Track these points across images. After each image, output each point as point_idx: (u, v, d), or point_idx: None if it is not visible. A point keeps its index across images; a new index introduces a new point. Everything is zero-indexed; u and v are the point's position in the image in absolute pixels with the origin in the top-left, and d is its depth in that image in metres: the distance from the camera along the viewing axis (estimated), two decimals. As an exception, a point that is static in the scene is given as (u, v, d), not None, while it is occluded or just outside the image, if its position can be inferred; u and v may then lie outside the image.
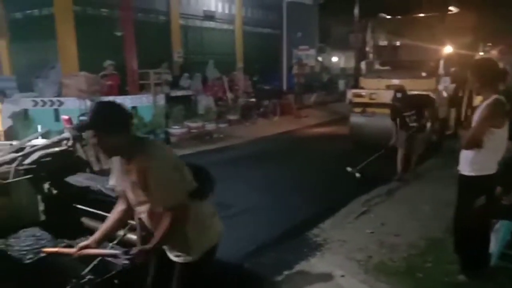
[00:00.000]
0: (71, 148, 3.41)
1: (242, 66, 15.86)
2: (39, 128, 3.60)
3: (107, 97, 10.54)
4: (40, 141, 3.45)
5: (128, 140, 2.26)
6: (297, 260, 4.14)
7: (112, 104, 2.34)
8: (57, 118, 10.27)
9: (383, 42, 10.15)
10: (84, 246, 2.43)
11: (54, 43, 11.06)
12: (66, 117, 3.58)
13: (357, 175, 6.88)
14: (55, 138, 3.45)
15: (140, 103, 10.96)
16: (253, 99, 14.67)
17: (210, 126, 12.02)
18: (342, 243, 4.53)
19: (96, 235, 2.50)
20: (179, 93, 12.74)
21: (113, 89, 11.24)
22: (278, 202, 6.14)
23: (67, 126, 3.49)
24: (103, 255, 2.45)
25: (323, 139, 11.44)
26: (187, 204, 2.29)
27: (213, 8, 15.72)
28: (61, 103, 10.53)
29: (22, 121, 9.62)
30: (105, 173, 3.58)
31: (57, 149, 3.36)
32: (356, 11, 11.37)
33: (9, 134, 8.85)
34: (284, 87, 18.45)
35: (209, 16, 15.54)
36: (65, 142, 3.40)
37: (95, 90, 10.59)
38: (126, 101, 10.82)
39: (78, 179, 3.27)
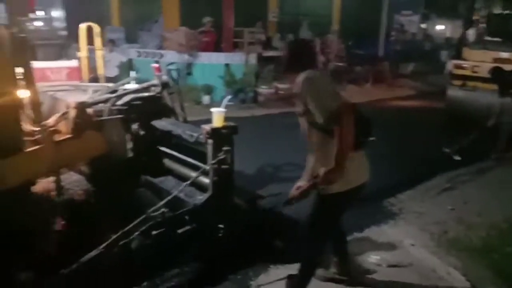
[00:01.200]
0: (158, 95, 3.61)
1: (337, 29, 15.29)
2: (132, 73, 3.82)
3: (204, 52, 11.00)
4: (132, 86, 3.69)
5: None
6: (368, 224, 4.10)
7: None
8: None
9: (496, 10, 9.09)
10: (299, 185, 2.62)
11: (159, -1, 11.56)
12: (156, 65, 3.77)
13: (456, 157, 6.24)
14: (145, 84, 3.67)
15: (233, 61, 11.16)
16: (344, 64, 14.14)
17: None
18: (418, 215, 4.39)
19: (305, 176, 2.71)
20: (271, 53, 12.70)
21: (209, 45, 11.55)
22: None
23: (157, 73, 3.67)
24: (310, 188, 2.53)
25: (417, 111, 10.80)
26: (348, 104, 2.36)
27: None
28: (161, 56, 11.11)
29: (127, 70, 10.35)
30: (186, 119, 3.77)
31: (146, 94, 3.58)
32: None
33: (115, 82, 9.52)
34: (380, 53, 17.52)
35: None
36: (153, 88, 3.61)
37: (193, 45, 10.99)
38: (220, 58, 11.16)
39: (162, 123, 3.48)
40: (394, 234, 3.96)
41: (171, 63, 3.59)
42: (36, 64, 4.22)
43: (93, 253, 2.65)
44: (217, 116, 3.16)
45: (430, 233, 3.97)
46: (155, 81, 3.64)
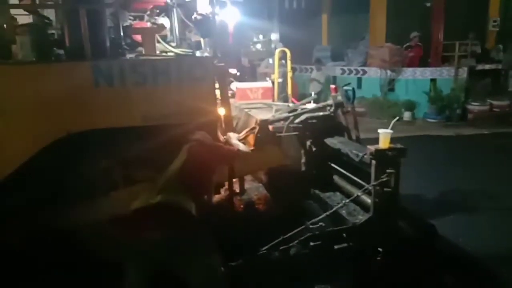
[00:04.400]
0: (332, 114, 3.67)
1: None
2: (312, 93, 3.99)
3: (408, 68, 10.49)
4: (310, 105, 3.85)
5: None
6: None
7: None
8: (359, 85, 10.95)
9: None
10: None
11: (366, 16, 11.54)
12: (333, 86, 3.85)
13: None
14: (320, 104, 3.78)
15: (440, 76, 10.35)
16: None
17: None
18: None
19: None
20: (487, 66, 11.13)
21: (414, 60, 10.97)
22: None
23: (333, 94, 3.74)
24: None
25: None
26: None
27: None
28: (364, 72, 11.11)
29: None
30: (361, 140, 3.71)
31: (321, 113, 3.68)
32: None
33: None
34: None
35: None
36: (328, 108, 3.68)
37: (397, 61, 10.62)
38: (426, 73, 10.45)
39: (333, 141, 3.52)
40: None
41: (347, 84, 3.52)
42: (239, 85, 4.86)
43: (257, 253, 2.89)
44: (383, 137, 3.01)
45: None
46: (330, 101, 3.71)
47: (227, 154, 3.04)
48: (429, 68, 10.59)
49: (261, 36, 9.23)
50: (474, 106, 10.14)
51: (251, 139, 3.77)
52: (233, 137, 3.52)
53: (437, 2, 10.54)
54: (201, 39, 3.90)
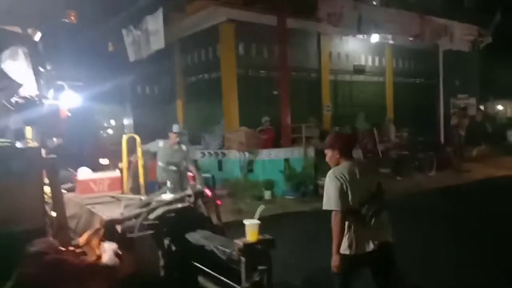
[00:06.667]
0: (192, 205, 3.15)
1: (392, 117, 14.66)
2: (168, 183, 3.44)
3: (263, 149, 10.84)
4: (166, 196, 3.28)
5: None
6: None
7: None
8: (220, 168, 10.83)
9: None
10: None
11: (220, 102, 11.83)
12: (190, 174, 3.39)
13: None
14: (178, 195, 3.25)
15: (292, 155, 10.84)
16: (406, 152, 13.19)
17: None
18: None
19: None
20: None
21: (268, 142, 11.41)
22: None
23: (191, 182, 3.28)
24: None
25: (492, 197, 8.92)
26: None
27: (363, 62, 15.12)
28: (224, 155, 11.08)
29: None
30: (224, 228, 3.25)
31: (180, 205, 3.14)
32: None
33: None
34: (442, 139, 16.35)
35: (359, 70, 14.96)
36: (187, 198, 3.17)
37: (253, 143, 10.90)
38: (279, 153, 10.88)
39: (196, 237, 2.96)
40: None
41: (207, 172, 3.31)
42: (80, 176, 4.05)
43: None
44: (251, 229, 2.58)
45: None
46: (189, 191, 3.20)
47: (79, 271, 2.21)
48: (282, 149, 11.07)
49: (112, 121, 8.54)
50: (323, 181, 10.74)
51: (95, 244, 2.97)
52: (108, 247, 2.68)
53: (283, 91, 11.38)
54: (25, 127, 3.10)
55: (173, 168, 6.39)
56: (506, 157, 14.38)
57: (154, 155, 7.60)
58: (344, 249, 3.12)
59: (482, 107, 19.30)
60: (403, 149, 13.17)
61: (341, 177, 3.23)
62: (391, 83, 15.90)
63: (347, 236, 3.15)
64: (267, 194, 10.10)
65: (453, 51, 17.01)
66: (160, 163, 6.74)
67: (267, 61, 12.41)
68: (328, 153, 3.46)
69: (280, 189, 10.44)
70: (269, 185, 10.35)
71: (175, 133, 7.00)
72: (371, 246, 3.16)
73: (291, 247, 5.28)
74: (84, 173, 3.98)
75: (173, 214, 3.07)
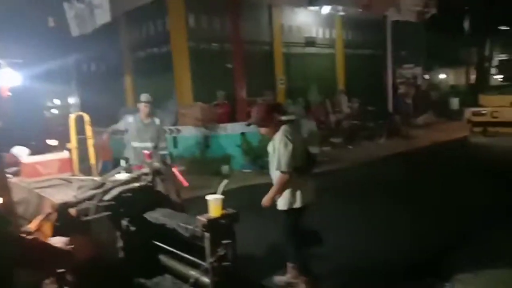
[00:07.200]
0: (150, 184, 3.02)
1: (344, 89, 14.95)
2: (122, 162, 3.27)
3: (220, 124, 10.69)
4: (122, 176, 3.13)
5: None
6: None
7: None
8: (175, 145, 10.59)
9: (504, 56, 8.57)
10: None
11: (172, 77, 11.46)
12: (146, 152, 3.25)
13: None
14: (134, 174, 3.10)
15: (248, 130, 10.76)
16: (357, 122, 13.57)
17: (314, 150, 11.25)
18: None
19: None
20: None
21: (224, 117, 11.27)
22: (394, 234, 4.96)
23: (148, 160, 3.13)
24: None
25: (438, 162, 9.40)
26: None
27: (314, 34, 15.14)
28: (179, 131, 10.82)
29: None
30: (184, 205, 3.17)
31: (136, 184, 3.00)
32: (467, 25, 9.92)
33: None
34: (390, 108, 16.96)
35: (311, 42, 14.99)
36: (144, 177, 3.03)
37: (209, 119, 10.72)
38: (235, 128, 10.78)
39: (155, 216, 2.86)
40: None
41: (163, 148, 3.19)
42: (26, 159, 3.77)
43: None
44: (214, 204, 2.52)
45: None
46: (146, 169, 3.06)
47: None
48: (238, 123, 10.98)
49: (57, 101, 8.00)
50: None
51: (47, 229, 2.78)
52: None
53: (237, 64, 11.21)
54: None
55: (149, 145, 5.48)
56: (450, 123, 15.15)
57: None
58: (284, 204, 3.67)
59: (427, 77, 20.11)
60: (354, 119, 13.55)
61: (291, 140, 3.60)
62: (342, 54, 16.09)
63: (288, 192, 3.64)
64: (224, 169, 10.06)
65: (400, 22, 17.44)
66: (133, 143, 5.64)
67: (219, 34, 12.11)
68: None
69: (238, 163, 10.43)
70: (227, 160, 10.30)
71: (145, 102, 5.99)
72: (305, 202, 3.70)
73: (251, 219, 5.28)
74: (22, 154, 3.71)
75: (130, 194, 2.93)
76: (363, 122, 13.52)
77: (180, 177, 4.72)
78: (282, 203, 3.73)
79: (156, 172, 3.03)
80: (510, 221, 5.02)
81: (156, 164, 3.10)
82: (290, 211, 3.71)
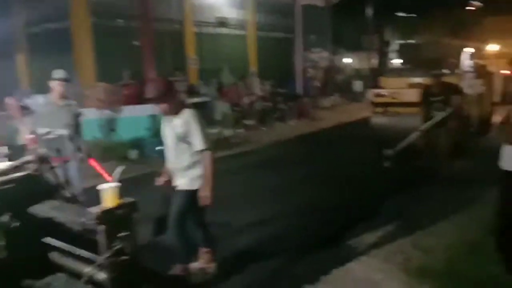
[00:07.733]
0: (36, 172, 2.63)
1: (256, 71, 15.03)
2: (3, 148, 2.79)
3: (127, 106, 10.04)
4: (2, 165, 2.67)
5: None
6: (334, 265, 3.70)
7: None
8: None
9: (401, 41, 9.29)
10: None
11: (70, 55, 10.49)
12: (30, 136, 2.80)
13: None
14: (16, 162, 2.66)
15: (158, 111, 10.30)
16: (269, 104, 13.78)
17: (227, 132, 11.20)
18: (377, 246, 4.06)
19: None
20: (195, 100, 11.94)
21: (132, 98, 10.61)
22: (301, 208, 5.34)
23: (32, 146, 2.71)
24: None
25: (343, 141, 9.94)
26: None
27: (225, 15, 14.94)
28: (80, 114, 9.98)
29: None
30: (77, 196, 2.84)
31: (19, 174, 2.58)
32: (369, 11, 10.52)
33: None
34: (300, 90, 17.50)
35: (222, 22, 14.76)
36: (28, 165, 2.62)
37: (114, 100, 10.00)
38: (145, 109, 10.20)
39: (43, 209, 2.50)
40: (361, 270, 3.63)
41: (48, 132, 2.77)
42: None
43: None
44: (109, 194, 2.25)
45: (395, 263, 3.68)
46: (30, 157, 2.64)
47: None
48: (147, 105, 10.41)
49: None
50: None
51: None
52: None
53: (145, 42, 10.58)
54: None
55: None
56: (354, 105, 16.08)
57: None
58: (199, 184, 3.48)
59: (334, 60, 21.07)
60: (266, 101, 13.74)
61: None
62: (254, 36, 16.11)
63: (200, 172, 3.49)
64: (132, 154, 9.52)
65: (310, 6, 17.93)
66: (42, 129, 4.35)
67: (126, 10, 11.31)
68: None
69: (149, 148, 9.95)
70: (135, 144, 9.75)
71: (59, 80, 4.69)
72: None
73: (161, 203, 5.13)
74: None
75: (11, 185, 2.51)
76: (274, 104, 13.76)
77: (100, 170, 4.09)
78: (195, 183, 3.51)
79: (42, 159, 2.63)
80: (399, 186, 5.70)
81: (42, 151, 2.69)
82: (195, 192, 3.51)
